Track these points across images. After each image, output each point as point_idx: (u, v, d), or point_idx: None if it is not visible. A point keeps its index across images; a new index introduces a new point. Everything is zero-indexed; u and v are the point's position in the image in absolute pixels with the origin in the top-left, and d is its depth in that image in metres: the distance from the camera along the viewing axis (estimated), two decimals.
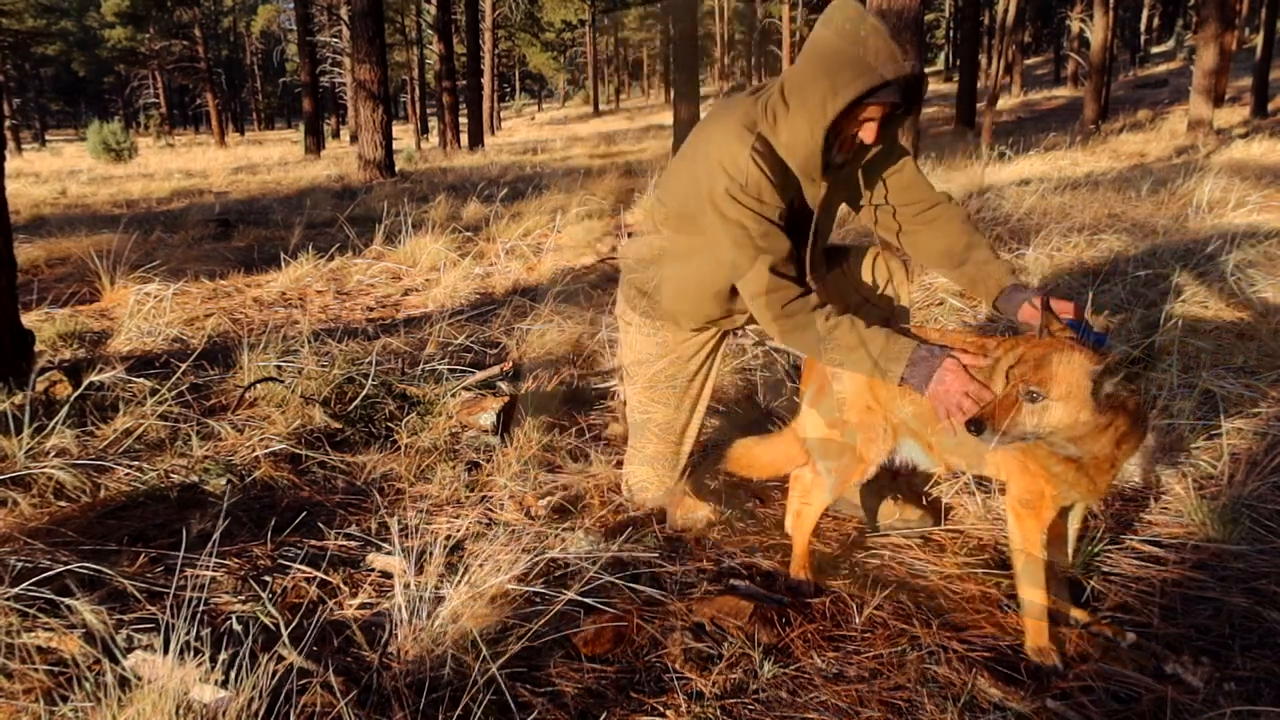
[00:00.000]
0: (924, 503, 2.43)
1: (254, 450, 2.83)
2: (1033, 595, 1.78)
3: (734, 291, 2.18)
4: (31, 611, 1.84)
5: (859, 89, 1.83)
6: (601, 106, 46.57)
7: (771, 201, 2.00)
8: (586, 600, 1.93)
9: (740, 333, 2.90)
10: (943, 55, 45.36)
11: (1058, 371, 1.60)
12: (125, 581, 2.00)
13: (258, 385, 3.31)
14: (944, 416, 1.81)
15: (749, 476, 2.50)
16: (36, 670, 1.70)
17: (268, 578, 2.10)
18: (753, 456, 2.41)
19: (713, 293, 2.24)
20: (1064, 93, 28.47)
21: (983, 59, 26.65)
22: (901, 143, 2.22)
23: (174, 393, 3.17)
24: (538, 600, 1.96)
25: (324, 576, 2.09)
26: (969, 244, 2.16)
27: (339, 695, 1.63)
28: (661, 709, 1.66)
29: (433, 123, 37.19)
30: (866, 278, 2.34)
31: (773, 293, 1.99)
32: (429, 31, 27.67)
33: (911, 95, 1.95)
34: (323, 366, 3.43)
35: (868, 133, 1.95)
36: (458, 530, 2.29)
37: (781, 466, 2.38)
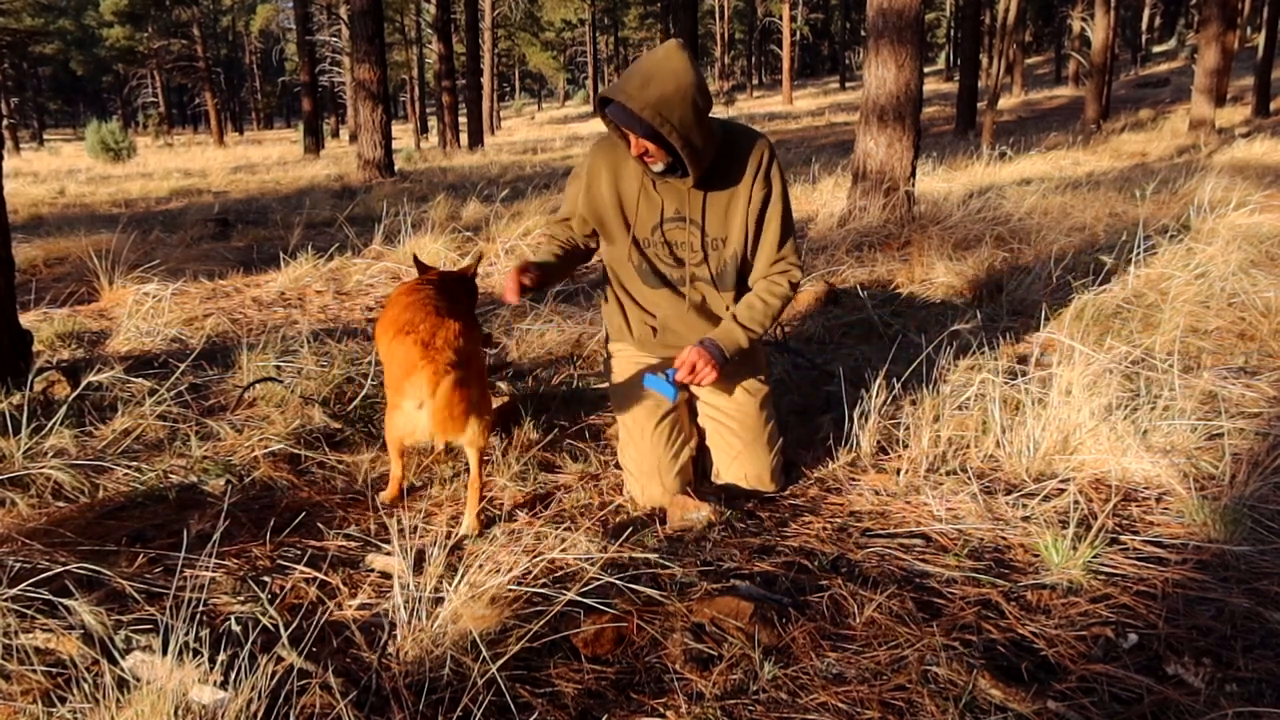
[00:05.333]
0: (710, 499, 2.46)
1: (253, 450, 2.82)
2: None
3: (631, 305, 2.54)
4: (30, 612, 1.84)
5: (601, 97, 2.16)
6: None
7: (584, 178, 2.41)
8: (586, 601, 1.93)
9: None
10: (944, 55, 45.35)
11: None
12: (124, 582, 2.00)
13: (257, 385, 3.30)
14: None
15: None
16: (35, 671, 1.70)
17: (267, 578, 2.10)
18: None
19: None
20: (1065, 92, 28.46)
21: (984, 58, 26.61)
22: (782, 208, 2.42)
23: (173, 393, 3.17)
24: (537, 601, 1.96)
25: (323, 577, 2.09)
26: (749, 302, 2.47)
27: (338, 696, 1.62)
28: (661, 710, 1.65)
29: (432, 122, 37.20)
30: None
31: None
32: (428, 31, 27.67)
33: (651, 136, 2.13)
34: (322, 366, 3.43)
35: (648, 158, 2.22)
36: (457, 531, 2.28)
37: None
